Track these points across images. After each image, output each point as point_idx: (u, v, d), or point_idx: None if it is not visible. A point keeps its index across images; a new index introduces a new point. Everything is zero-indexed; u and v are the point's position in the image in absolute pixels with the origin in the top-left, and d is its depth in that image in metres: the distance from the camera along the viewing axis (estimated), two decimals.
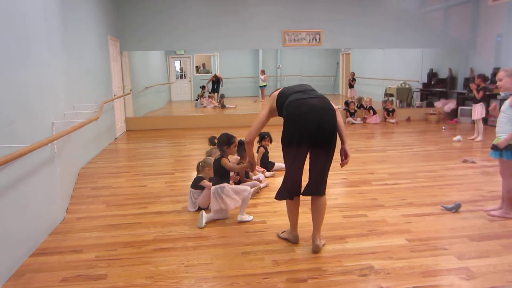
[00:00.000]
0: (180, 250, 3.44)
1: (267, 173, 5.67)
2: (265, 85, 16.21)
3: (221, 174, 4.05)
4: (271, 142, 6.10)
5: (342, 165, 3.34)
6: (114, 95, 9.10)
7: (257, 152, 5.91)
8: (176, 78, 17.96)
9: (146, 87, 12.84)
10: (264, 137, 6.00)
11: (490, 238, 3.60)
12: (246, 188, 4.11)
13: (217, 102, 14.42)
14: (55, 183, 4.19)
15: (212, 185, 4.06)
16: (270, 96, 3.53)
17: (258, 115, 3.41)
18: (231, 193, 4.01)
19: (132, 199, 4.80)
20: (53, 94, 4.35)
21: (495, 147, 3.96)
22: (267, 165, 5.90)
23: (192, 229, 3.89)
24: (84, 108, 6.14)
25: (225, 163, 3.99)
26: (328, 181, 5.44)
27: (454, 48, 11.82)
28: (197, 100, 15.31)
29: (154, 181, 5.57)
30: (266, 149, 5.99)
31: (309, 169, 3.28)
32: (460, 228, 3.82)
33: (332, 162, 3.27)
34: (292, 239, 3.54)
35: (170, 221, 4.10)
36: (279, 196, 3.45)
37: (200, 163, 4.57)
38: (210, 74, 17.96)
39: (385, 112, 11.55)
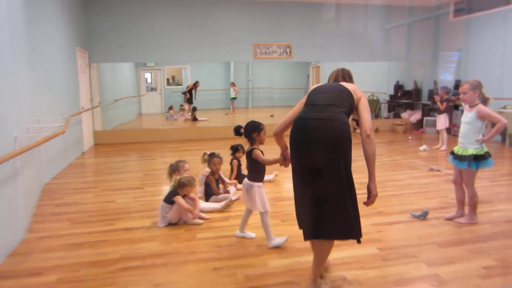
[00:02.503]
0: (149, 268, 3.31)
1: (239, 186, 5.62)
2: (235, 98, 16.20)
3: (254, 170, 3.66)
4: (243, 153, 6.05)
5: (366, 204, 2.80)
6: (82, 108, 8.88)
7: (230, 164, 5.87)
8: (147, 91, 17.73)
9: (115, 100, 12.60)
10: (237, 149, 5.95)
11: (458, 244, 3.66)
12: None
13: (188, 115, 14.30)
14: (17, 201, 4.00)
15: (248, 179, 3.71)
16: None
17: (292, 110, 3.01)
18: (255, 196, 3.65)
19: (99, 216, 4.64)
20: (17, 107, 4.18)
21: (460, 157, 4.06)
22: (240, 177, 5.85)
23: (162, 245, 3.78)
24: (49, 122, 5.95)
25: (257, 155, 3.57)
26: None
27: (418, 62, 12.19)
28: (168, 112, 15.15)
29: (123, 196, 5.42)
30: (239, 161, 5.95)
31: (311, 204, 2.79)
32: (429, 235, 3.87)
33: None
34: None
35: (139, 237, 3.98)
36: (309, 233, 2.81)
37: (181, 179, 4.39)
38: (181, 86, 17.82)
39: (354, 123, 11.73)
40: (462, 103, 4.22)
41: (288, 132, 2.92)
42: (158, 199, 5.11)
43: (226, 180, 5.59)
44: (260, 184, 3.66)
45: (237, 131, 3.79)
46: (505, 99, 9.24)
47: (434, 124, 10.47)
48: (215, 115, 15.24)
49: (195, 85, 15.63)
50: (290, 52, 11.19)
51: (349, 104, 2.79)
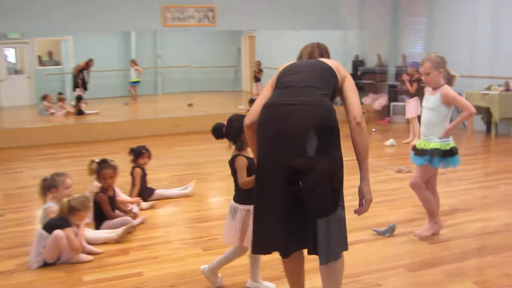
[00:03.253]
0: None
1: (143, 204, 5.57)
2: (138, 81, 15.90)
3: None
4: (150, 159, 6.02)
5: (358, 212, 2.94)
6: None
7: (132, 174, 5.83)
8: (8, 74, 16.99)
9: None
10: (140, 153, 5.89)
11: (431, 265, 3.89)
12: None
13: (71, 106, 13.90)
14: None
15: (234, 200, 3.58)
16: None
17: (261, 94, 3.06)
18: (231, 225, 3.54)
19: None
20: None
21: (422, 152, 4.30)
22: (144, 192, 5.81)
23: None
24: None
25: (239, 167, 3.44)
26: (226, 208, 5.49)
27: (379, 30, 12.72)
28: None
29: None
30: (144, 170, 5.91)
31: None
32: (396, 256, 4.08)
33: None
34: None
35: None
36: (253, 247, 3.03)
37: (71, 201, 4.26)
38: (60, 67, 17.27)
39: None
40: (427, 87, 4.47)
41: None
42: (26, 230, 4.96)
43: (125, 197, 5.53)
44: (250, 207, 3.36)
45: (218, 131, 3.61)
46: (497, 77, 9.91)
47: (403, 111, 11.00)
48: (110, 106, 14.94)
49: (88, 64, 15.20)
50: (213, 18, 11.23)
51: (333, 86, 2.89)
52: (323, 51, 3.20)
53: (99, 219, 4.92)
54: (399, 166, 7.10)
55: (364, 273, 3.79)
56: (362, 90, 13.34)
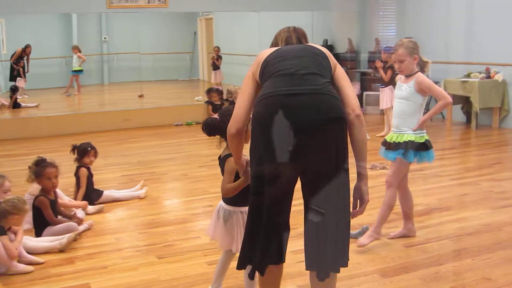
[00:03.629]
0: None
1: (90, 208, 5.55)
2: (81, 70, 15.72)
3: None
4: (96, 157, 5.99)
5: (354, 215, 2.95)
6: None
7: (76, 174, 5.80)
8: None
9: None
10: (86, 151, 5.85)
11: (407, 270, 4.00)
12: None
13: (6, 99, 13.64)
14: None
15: (225, 202, 3.51)
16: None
17: (241, 92, 3.00)
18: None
19: None
20: None
21: (394, 145, 4.39)
22: (91, 195, 5.79)
23: None
24: None
25: (229, 170, 3.34)
26: (186, 212, 5.61)
27: (351, 13, 12.88)
28: None
29: None
30: (89, 170, 5.88)
31: (304, 223, 2.91)
32: (368, 261, 4.18)
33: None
34: None
35: None
36: (240, 262, 3.00)
37: (3, 204, 4.23)
38: None
39: None
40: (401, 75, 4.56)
41: None
42: None
43: (69, 200, 5.50)
44: (244, 209, 3.37)
45: (211, 127, 3.43)
46: (476, 63, 10.15)
47: (377, 101, 11.18)
48: (50, 98, 14.74)
49: (26, 51, 14.92)
50: None
51: (329, 73, 2.88)
52: (301, 37, 3.16)
53: (40, 226, 4.88)
54: (372, 162, 7.20)
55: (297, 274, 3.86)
56: None
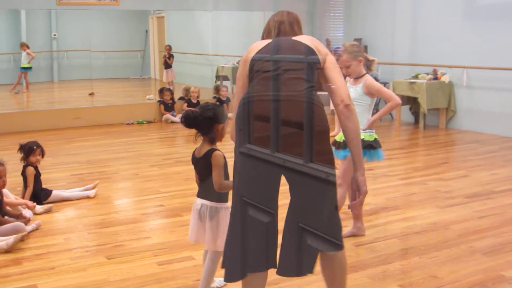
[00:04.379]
0: None
1: (38, 208, 5.45)
2: (30, 67, 15.42)
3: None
4: (43, 156, 5.88)
5: (352, 207, 2.97)
6: None
7: (23, 173, 5.70)
8: None
9: None
10: (32, 150, 5.74)
11: (356, 269, 4.05)
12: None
13: None
14: None
15: (209, 199, 3.46)
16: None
17: (236, 93, 3.02)
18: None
19: None
20: None
21: (344, 144, 4.44)
22: (39, 194, 5.70)
23: None
24: None
25: (219, 164, 3.34)
26: (137, 211, 5.57)
27: (300, 13, 12.97)
28: None
29: None
30: (37, 168, 5.78)
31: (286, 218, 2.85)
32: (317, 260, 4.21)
33: None
34: None
35: None
36: (227, 273, 2.92)
37: None
38: None
39: (218, 103, 12.04)
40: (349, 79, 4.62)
41: None
42: None
43: (16, 199, 5.39)
44: (228, 205, 3.41)
45: (191, 119, 3.37)
46: (421, 65, 10.37)
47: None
48: None
49: None
50: None
51: (316, 73, 2.87)
52: (294, 22, 3.14)
53: None
54: None
55: (281, 280, 3.80)
56: None
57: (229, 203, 3.23)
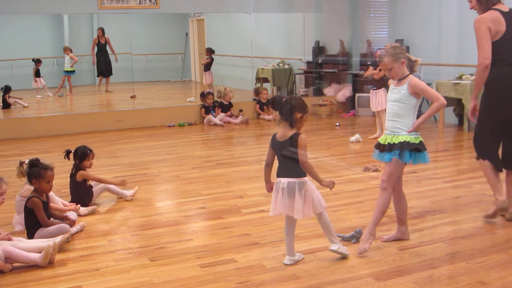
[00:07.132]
0: None
1: (82, 210, 5.52)
2: (73, 71, 15.66)
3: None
4: (93, 158, 5.96)
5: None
6: None
7: (72, 177, 5.79)
8: None
9: None
10: (86, 154, 5.84)
11: (400, 273, 3.99)
12: None
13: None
14: None
15: (295, 176, 4.08)
16: None
17: (481, 38, 4.92)
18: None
19: None
20: None
21: (389, 147, 4.36)
22: (84, 197, 5.77)
23: None
24: None
25: (304, 145, 4.07)
26: (179, 213, 5.59)
27: (342, 14, 12.89)
28: None
29: None
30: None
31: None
32: (362, 265, 4.16)
33: None
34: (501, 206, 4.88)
35: None
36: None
37: None
38: None
39: (258, 105, 12.04)
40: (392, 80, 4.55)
41: None
42: None
43: (62, 202, 5.46)
44: (307, 178, 4.10)
45: (277, 103, 4.08)
46: (468, 66, 10.18)
47: (369, 103, 11.21)
48: (42, 99, 14.66)
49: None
50: (156, 0, 11.16)
51: None
52: None
53: (32, 227, 4.84)
54: (365, 164, 7.21)
55: (326, 284, 3.84)
56: (323, 79, 13.49)
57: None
